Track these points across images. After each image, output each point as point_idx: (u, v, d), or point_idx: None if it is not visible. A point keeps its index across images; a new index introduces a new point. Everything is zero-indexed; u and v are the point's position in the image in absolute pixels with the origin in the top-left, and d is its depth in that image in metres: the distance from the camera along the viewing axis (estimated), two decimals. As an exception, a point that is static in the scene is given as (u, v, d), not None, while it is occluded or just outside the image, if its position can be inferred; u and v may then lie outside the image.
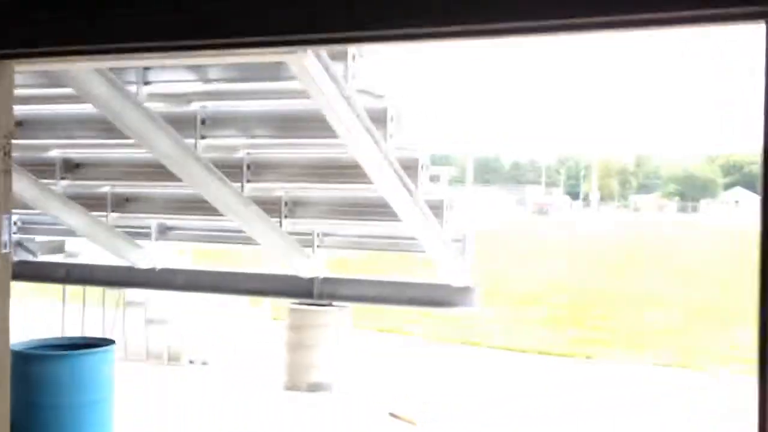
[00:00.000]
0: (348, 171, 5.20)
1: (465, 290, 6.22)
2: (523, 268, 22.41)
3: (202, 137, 5.17)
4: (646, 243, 38.18)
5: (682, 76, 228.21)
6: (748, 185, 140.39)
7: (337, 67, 3.82)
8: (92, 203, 6.04)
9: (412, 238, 5.36)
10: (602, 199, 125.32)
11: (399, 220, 4.91)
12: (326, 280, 6.58)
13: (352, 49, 4.00)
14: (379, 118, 4.47)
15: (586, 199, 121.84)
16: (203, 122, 5.13)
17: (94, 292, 8.78)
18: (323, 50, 3.46)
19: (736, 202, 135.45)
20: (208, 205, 5.26)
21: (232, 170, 5.36)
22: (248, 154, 5.60)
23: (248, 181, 5.59)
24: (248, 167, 5.58)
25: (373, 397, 6.72)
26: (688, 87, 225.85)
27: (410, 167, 4.94)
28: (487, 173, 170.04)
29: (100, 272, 6.76)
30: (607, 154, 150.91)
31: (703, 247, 36.19)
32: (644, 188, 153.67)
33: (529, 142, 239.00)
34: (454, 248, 5.70)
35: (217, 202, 5.11)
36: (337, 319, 6.32)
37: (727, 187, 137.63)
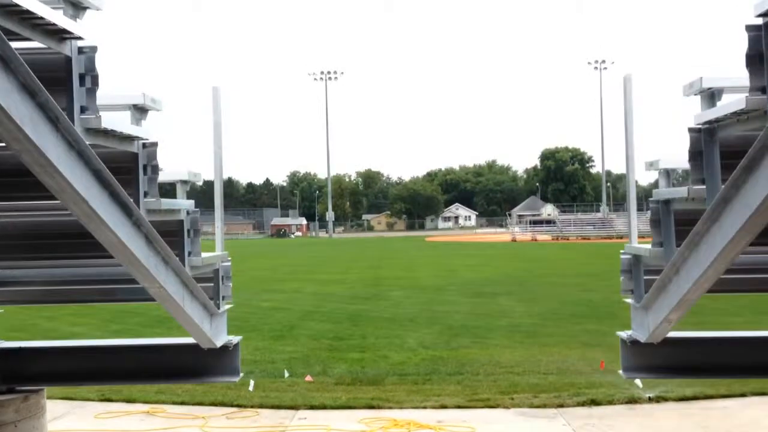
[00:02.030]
0: (14, 179, 3.04)
1: (221, 353, 4.30)
2: (268, 295, 20.72)
3: None
4: (385, 261, 38.72)
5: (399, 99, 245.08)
6: (465, 201, 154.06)
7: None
8: None
9: (130, 282, 3.33)
10: (337, 219, 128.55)
11: (106, 256, 2.89)
12: (6, 353, 4.22)
13: None
14: (58, 77, 2.48)
15: (322, 219, 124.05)
16: None
17: None
18: None
19: (456, 217, 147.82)
20: None
21: None
22: None
23: None
24: None
25: None
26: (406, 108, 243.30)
27: (126, 169, 2.98)
28: (224, 197, 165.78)
29: None
30: (338, 173, 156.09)
31: (434, 262, 37.51)
32: (374, 207, 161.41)
33: (263, 162, 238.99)
34: (200, 292, 3.81)
35: None
36: (25, 411, 4.05)
37: (448, 203, 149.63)
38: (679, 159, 3.44)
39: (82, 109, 2.62)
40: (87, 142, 2.41)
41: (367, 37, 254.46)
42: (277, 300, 19.28)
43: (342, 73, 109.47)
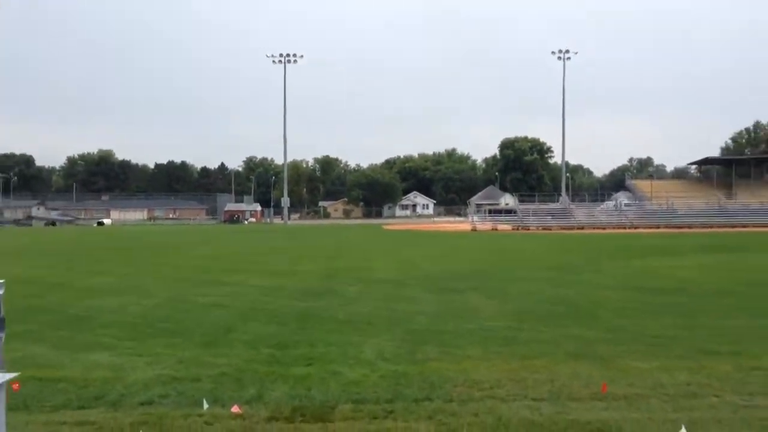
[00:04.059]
0: None
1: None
2: (208, 289, 18.51)
3: None
4: (341, 250, 36.82)
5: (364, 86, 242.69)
6: (423, 189, 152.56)
7: None
8: None
9: None
10: (293, 205, 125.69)
11: None
12: None
13: None
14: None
15: (277, 205, 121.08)
16: None
17: None
18: None
19: (414, 205, 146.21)
20: None
21: None
22: None
23: None
24: None
25: None
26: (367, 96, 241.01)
27: None
28: (176, 182, 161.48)
29: None
30: (295, 159, 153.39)
31: (393, 252, 35.75)
32: (331, 194, 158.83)
33: (218, 147, 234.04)
34: None
35: None
36: None
37: (406, 191, 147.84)
38: None
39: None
40: None
41: (326, 21, 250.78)
42: (216, 295, 17.06)
43: (301, 56, 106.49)
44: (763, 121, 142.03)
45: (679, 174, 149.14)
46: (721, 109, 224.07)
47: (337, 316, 13.91)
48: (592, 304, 15.16)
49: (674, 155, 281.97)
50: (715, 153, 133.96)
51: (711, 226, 67.36)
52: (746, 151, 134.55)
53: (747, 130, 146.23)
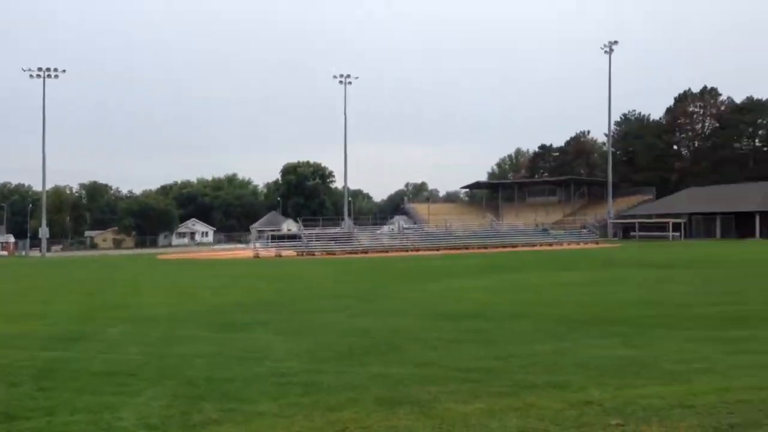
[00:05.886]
0: None
1: None
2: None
3: None
4: (106, 285, 32.79)
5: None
6: (202, 216, 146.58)
7: None
8: None
9: None
10: (54, 236, 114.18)
11: None
12: None
13: None
14: None
15: (35, 236, 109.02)
16: None
17: None
18: None
19: (192, 233, 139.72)
20: None
21: None
22: None
23: None
24: None
25: None
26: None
27: None
28: None
29: None
30: (57, 184, 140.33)
31: (168, 284, 32.56)
32: (100, 223, 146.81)
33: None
34: None
35: None
36: None
37: (183, 218, 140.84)
38: None
39: None
40: None
41: (89, 33, 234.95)
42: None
43: (63, 71, 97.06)
44: (523, 149, 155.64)
45: (451, 198, 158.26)
46: (487, 138, 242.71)
47: (92, 368, 11.11)
48: (393, 335, 13.78)
49: (446, 180, 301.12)
50: (483, 177, 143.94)
51: (486, 246, 71.02)
52: (509, 175, 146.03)
53: (509, 156, 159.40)
